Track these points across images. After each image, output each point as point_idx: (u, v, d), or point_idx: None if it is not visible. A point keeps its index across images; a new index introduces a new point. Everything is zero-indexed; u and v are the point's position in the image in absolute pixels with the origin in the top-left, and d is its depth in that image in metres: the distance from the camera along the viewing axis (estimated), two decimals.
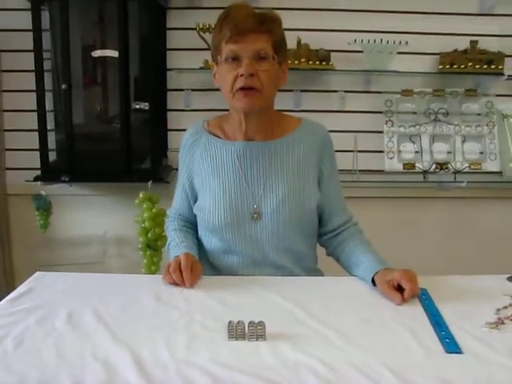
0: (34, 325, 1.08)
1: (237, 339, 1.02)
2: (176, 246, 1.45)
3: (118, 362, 0.94)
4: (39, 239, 2.64)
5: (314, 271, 1.54)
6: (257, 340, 1.01)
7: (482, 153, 2.64)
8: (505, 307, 1.18)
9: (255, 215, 1.40)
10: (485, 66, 2.52)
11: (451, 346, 1.00)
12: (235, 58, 1.31)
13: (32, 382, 0.87)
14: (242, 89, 1.31)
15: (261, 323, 1.02)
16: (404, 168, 2.60)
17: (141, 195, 2.33)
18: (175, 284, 1.29)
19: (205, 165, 1.46)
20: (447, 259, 2.55)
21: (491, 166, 2.62)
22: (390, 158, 2.61)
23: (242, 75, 1.30)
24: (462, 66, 2.53)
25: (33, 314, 1.13)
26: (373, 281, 1.29)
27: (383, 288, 1.24)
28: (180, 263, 1.29)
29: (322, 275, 1.55)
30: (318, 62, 2.51)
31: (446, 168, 2.59)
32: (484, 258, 2.53)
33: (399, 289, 1.22)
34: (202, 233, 1.51)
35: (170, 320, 1.11)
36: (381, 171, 2.62)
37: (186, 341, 1.01)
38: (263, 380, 0.88)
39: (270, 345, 1.00)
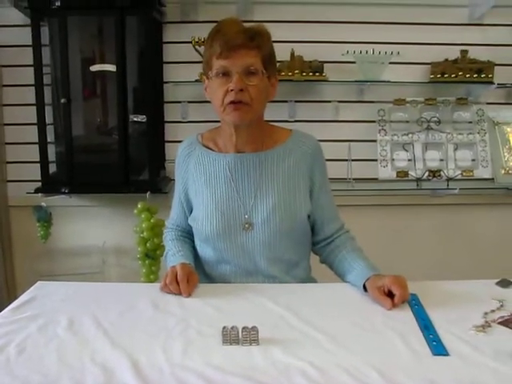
0: (35, 332, 1.11)
1: (231, 344, 1.04)
2: (173, 255, 1.48)
3: (116, 366, 0.97)
4: (40, 250, 2.66)
5: (307, 280, 1.54)
6: (250, 344, 1.04)
7: (473, 160, 2.66)
8: (492, 311, 1.20)
9: (247, 225, 1.42)
10: (475, 75, 2.55)
11: (438, 348, 1.03)
12: (225, 73, 1.34)
13: None
14: (232, 103, 1.34)
15: (254, 328, 1.05)
16: (397, 176, 2.62)
17: (139, 206, 2.35)
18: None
19: (198, 176, 1.48)
20: (440, 265, 2.57)
21: (483, 172, 2.64)
22: (384, 167, 2.63)
23: (231, 90, 1.33)
24: (453, 76, 2.56)
25: (34, 322, 1.16)
26: (364, 287, 1.31)
27: (374, 293, 1.27)
28: (176, 274, 1.32)
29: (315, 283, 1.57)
30: (311, 73, 2.53)
31: (439, 175, 2.61)
32: (476, 263, 2.55)
33: (389, 294, 1.25)
34: (196, 242, 1.54)
35: (166, 326, 1.14)
36: (374, 179, 2.64)
37: (181, 346, 1.04)
38: (255, 382, 0.91)
39: (262, 349, 1.03)
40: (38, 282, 1.43)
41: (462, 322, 1.15)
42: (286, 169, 1.45)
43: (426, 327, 1.13)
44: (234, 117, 1.36)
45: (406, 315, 1.19)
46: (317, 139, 1.53)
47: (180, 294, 1.30)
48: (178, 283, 1.31)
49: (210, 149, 1.50)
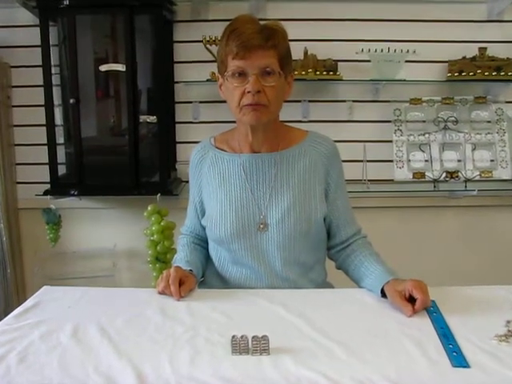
0: (38, 340, 1.08)
1: (240, 354, 1.01)
2: (180, 261, 1.46)
3: (121, 377, 0.94)
4: (50, 253, 2.65)
5: (323, 285, 1.52)
6: (260, 354, 1.00)
7: (492, 160, 2.60)
8: None
9: (261, 226, 1.41)
10: (494, 73, 2.49)
11: (458, 359, 0.98)
12: (241, 74, 1.32)
13: None
14: (249, 105, 1.33)
15: (264, 337, 1.01)
16: (414, 177, 2.57)
17: (149, 208, 2.33)
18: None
19: (212, 178, 1.47)
20: (458, 269, 2.51)
21: (502, 173, 2.58)
22: (400, 168, 2.58)
23: (248, 92, 1.31)
24: (471, 74, 2.50)
25: (38, 329, 1.13)
26: (382, 292, 1.28)
27: (394, 298, 1.23)
28: (169, 277, 1.32)
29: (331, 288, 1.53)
30: (325, 72, 2.50)
31: (457, 176, 2.56)
32: (496, 267, 2.50)
33: (409, 300, 1.21)
34: (210, 245, 1.52)
35: (173, 334, 1.11)
36: (390, 181, 2.60)
37: (189, 355, 1.01)
38: None
39: (273, 359, 0.99)
40: (44, 286, 1.40)
41: (483, 330, 1.10)
42: (301, 169, 1.43)
43: (445, 336, 1.08)
44: (251, 118, 1.35)
45: (423, 323, 1.15)
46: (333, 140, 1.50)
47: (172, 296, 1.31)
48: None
49: (224, 151, 1.49)
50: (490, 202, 2.66)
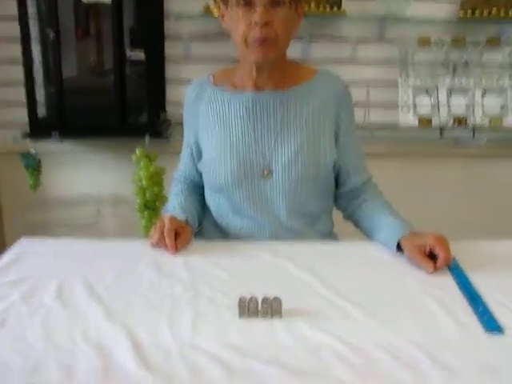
0: (18, 301, 0.97)
1: (249, 317, 0.91)
2: (173, 209, 1.36)
3: (113, 345, 0.83)
4: (30, 200, 2.53)
5: (329, 235, 1.44)
6: (272, 317, 0.91)
7: (503, 107, 2.48)
8: None
9: (265, 172, 1.30)
10: (510, 12, 2.34)
11: (491, 323, 0.90)
12: (247, 3, 1.19)
13: (14, 370, 0.77)
14: (256, 40, 1.21)
15: (276, 299, 0.91)
16: (420, 123, 2.46)
17: (138, 152, 2.20)
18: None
19: (210, 119, 1.35)
20: (464, 221, 2.43)
21: None
22: (405, 113, 2.46)
23: (256, 24, 1.19)
24: (485, 12, 2.34)
25: (17, 289, 1.01)
26: (397, 246, 1.19)
27: (414, 254, 1.14)
28: (164, 227, 1.21)
29: (337, 240, 1.45)
30: (328, 8, 2.33)
31: (465, 123, 2.45)
32: (501, 218, 2.44)
33: (429, 256, 1.13)
34: (207, 192, 1.42)
35: (172, 294, 1.00)
36: (395, 126, 2.48)
37: (190, 319, 0.91)
38: (282, 367, 0.78)
39: (285, 323, 0.90)
40: (22, 238, 1.26)
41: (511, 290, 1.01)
42: (309, 110, 1.32)
43: (472, 296, 0.99)
44: (258, 55, 1.23)
45: (446, 281, 1.06)
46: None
47: (167, 249, 1.20)
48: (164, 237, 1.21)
49: (224, 88, 1.36)
50: (498, 151, 2.56)
